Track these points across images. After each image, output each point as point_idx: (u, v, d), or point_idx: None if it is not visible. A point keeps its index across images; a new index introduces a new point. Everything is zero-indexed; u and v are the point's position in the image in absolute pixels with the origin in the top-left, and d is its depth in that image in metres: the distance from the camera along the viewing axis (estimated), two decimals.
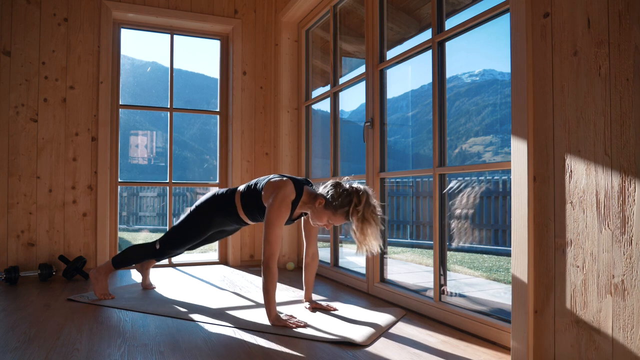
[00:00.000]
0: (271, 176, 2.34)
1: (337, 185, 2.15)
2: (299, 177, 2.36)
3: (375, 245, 2.05)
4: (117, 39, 3.75)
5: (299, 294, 2.79)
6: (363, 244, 2.05)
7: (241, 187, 2.43)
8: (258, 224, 4.02)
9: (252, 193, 2.33)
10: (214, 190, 2.57)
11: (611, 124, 1.35)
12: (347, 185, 2.14)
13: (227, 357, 1.71)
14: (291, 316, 2.15)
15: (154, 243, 2.60)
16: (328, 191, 2.15)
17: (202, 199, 2.54)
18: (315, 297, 2.68)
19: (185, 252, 2.83)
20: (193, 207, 2.54)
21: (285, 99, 3.94)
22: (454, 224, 5.35)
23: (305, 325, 2.07)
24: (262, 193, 2.26)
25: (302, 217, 2.44)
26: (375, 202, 2.09)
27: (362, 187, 2.11)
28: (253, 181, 2.41)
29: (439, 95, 2.31)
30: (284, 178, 2.26)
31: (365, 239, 2.04)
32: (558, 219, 1.52)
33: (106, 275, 2.64)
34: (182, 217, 2.56)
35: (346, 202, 2.07)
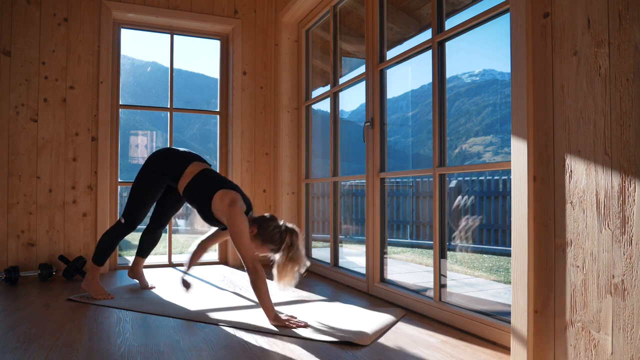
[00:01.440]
0: (227, 183, 2.43)
1: (272, 219, 2.29)
2: (245, 195, 2.45)
3: (291, 282, 2.20)
4: (117, 39, 3.75)
5: (300, 294, 2.79)
6: (281, 278, 2.19)
7: (198, 167, 2.53)
8: None
9: (204, 186, 2.42)
10: (162, 149, 2.71)
11: (611, 124, 1.35)
12: (281, 222, 2.28)
13: (227, 357, 1.71)
14: (291, 316, 2.15)
15: (118, 221, 2.69)
16: (262, 222, 2.27)
17: (155, 152, 2.69)
18: (315, 297, 2.68)
19: (160, 228, 2.92)
20: (142, 165, 2.69)
21: (285, 99, 3.94)
22: (460, 223, 5.35)
23: (306, 325, 2.07)
24: (214, 198, 2.35)
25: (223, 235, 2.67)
26: (302, 245, 2.25)
27: (295, 228, 2.26)
28: (211, 174, 2.50)
29: (439, 95, 2.31)
30: (236, 192, 2.37)
31: (285, 275, 2.19)
32: (558, 219, 1.52)
33: (95, 278, 2.66)
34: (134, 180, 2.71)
35: (279, 241, 2.22)
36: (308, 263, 2.26)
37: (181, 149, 2.71)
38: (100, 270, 2.71)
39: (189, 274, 2.61)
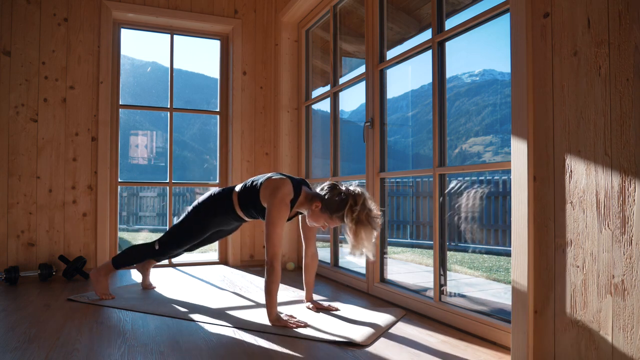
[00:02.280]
0: (269, 174, 2.34)
1: (333, 188, 2.16)
2: (296, 177, 2.36)
3: (369, 248, 2.03)
4: (117, 39, 3.75)
5: (300, 294, 2.79)
6: (356, 247, 2.03)
7: (238, 187, 2.44)
8: (256, 222, 4.02)
9: (250, 190, 2.33)
10: (211, 190, 2.57)
11: (611, 124, 1.35)
12: (344, 188, 2.14)
13: (227, 357, 1.71)
14: (291, 316, 2.15)
15: (153, 243, 2.61)
16: (325, 194, 2.15)
17: (200, 199, 2.55)
18: (315, 297, 2.68)
19: (185, 252, 2.84)
20: (191, 207, 2.54)
21: (285, 99, 3.94)
22: (459, 224, 5.35)
23: (306, 325, 2.07)
24: (260, 191, 2.26)
25: (300, 217, 2.45)
26: (372, 205, 2.08)
27: (359, 189, 2.11)
28: (250, 179, 2.41)
29: (439, 95, 2.31)
30: (282, 177, 2.26)
31: (358, 242, 2.02)
32: (558, 219, 1.52)
33: (107, 276, 2.64)
34: (181, 217, 2.57)
35: (342, 205, 2.07)
36: (380, 221, 2.06)
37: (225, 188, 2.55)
38: (113, 272, 2.68)
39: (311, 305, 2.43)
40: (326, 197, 2.14)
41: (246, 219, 2.47)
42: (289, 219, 2.32)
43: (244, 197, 2.36)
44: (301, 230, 2.47)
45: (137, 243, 2.71)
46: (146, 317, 2.25)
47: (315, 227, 2.29)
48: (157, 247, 2.58)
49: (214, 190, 2.56)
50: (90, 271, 2.69)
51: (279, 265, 2.09)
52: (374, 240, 2.05)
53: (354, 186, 2.14)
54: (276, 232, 2.11)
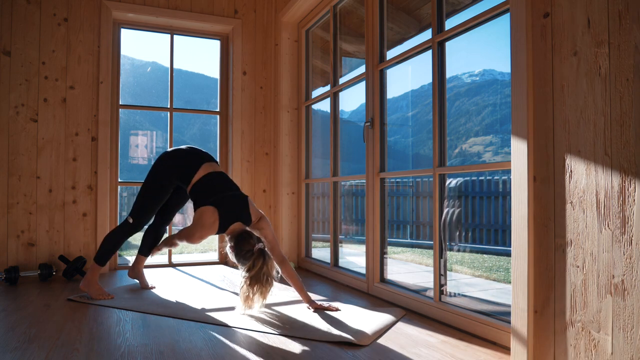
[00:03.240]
0: (211, 199, 2.44)
1: (247, 241, 2.35)
2: (236, 206, 2.47)
3: (256, 305, 2.28)
4: (117, 39, 3.75)
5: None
6: (245, 302, 2.26)
7: (205, 170, 2.55)
8: None
9: (200, 198, 2.47)
10: (178, 147, 2.70)
11: (611, 124, 1.35)
12: (257, 247, 2.32)
13: (226, 357, 1.71)
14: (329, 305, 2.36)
15: (125, 220, 2.67)
16: (239, 242, 2.36)
17: (167, 151, 2.70)
18: (315, 297, 2.68)
19: (165, 224, 2.92)
20: (152, 167, 2.68)
21: (285, 99, 3.94)
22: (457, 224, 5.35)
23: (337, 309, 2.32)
24: (196, 208, 2.46)
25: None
26: (272, 270, 2.29)
27: (264, 253, 2.31)
28: (215, 179, 2.53)
29: (439, 95, 2.31)
30: (215, 215, 2.40)
31: (248, 298, 2.25)
32: (558, 219, 1.52)
33: (95, 278, 2.65)
34: (144, 180, 2.71)
35: (246, 261, 2.31)
36: (272, 291, 2.30)
37: (190, 148, 2.68)
38: (101, 270, 2.70)
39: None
40: (240, 244, 2.36)
41: (187, 194, 2.64)
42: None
43: (196, 192, 2.50)
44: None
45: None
46: (146, 317, 2.25)
47: (272, 235, 2.49)
48: (131, 221, 2.63)
49: (180, 147, 2.68)
50: (80, 283, 2.69)
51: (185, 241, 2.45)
52: (259, 299, 2.27)
53: (264, 248, 2.34)
54: (190, 235, 2.41)
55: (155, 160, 2.67)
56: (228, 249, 2.43)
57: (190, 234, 2.40)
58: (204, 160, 2.59)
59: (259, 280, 2.24)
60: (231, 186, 2.53)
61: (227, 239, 2.46)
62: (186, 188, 2.58)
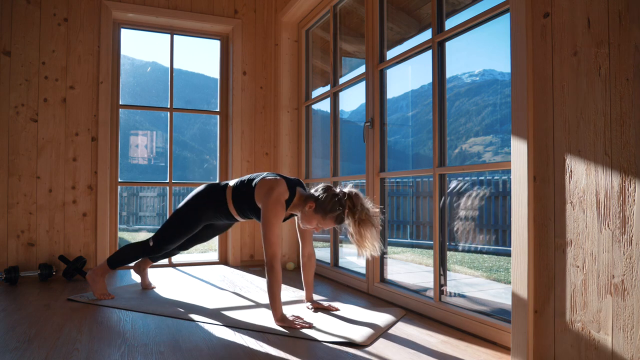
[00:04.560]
0: (264, 174, 2.34)
1: (327, 189, 2.16)
2: (291, 177, 2.36)
3: (375, 247, 2.07)
4: (117, 39, 3.75)
5: (300, 294, 2.79)
6: (362, 247, 2.07)
7: (232, 182, 2.44)
8: (250, 222, 4.02)
9: (244, 189, 2.33)
10: (205, 184, 2.56)
11: (611, 124, 1.35)
12: (338, 190, 2.15)
13: (226, 357, 1.71)
14: (297, 317, 2.13)
15: (147, 240, 2.60)
16: (319, 195, 2.15)
17: (193, 192, 2.55)
18: (315, 297, 2.68)
19: (181, 251, 2.83)
20: (184, 201, 2.54)
21: (285, 99, 3.94)
22: (457, 225, 5.35)
23: (311, 326, 2.06)
24: (255, 190, 2.26)
25: (297, 218, 2.43)
26: (368, 203, 2.10)
27: (353, 190, 2.13)
28: (246, 177, 2.41)
29: (439, 95, 2.31)
30: (277, 177, 2.26)
31: (364, 241, 2.06)
32: (558, 219, 1.52)
33: (103, 276, 2.63)
34: (175, 211, 2.58)
35: (336, 207, 2.09)
36: (378, 218, 2.11)
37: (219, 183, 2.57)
38: (109, 272, 2.69)
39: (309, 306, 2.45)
40: (320, 198, 2.14)
41: (238, 217, 2.45)
42: (283, 220, 2.32)
43: (238, 194, 2.35)
44: (297, 231, 2.46)
45: (131, 242, 2.70)
46: (146, 317, 2.25)
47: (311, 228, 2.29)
48: (151, 244, 2.57)
49: (208, 183, 2.55)
50: (87, 273, 2.68)
51: (279, 265, 2.09)
52: (378, 236, 2.08)
53: (348, 187, 2.15)
54: (273, 232, 2.11)
55: (194, 196, 2.51)
56: (305, 215, 2.18)
57: (265, 221, 2.10)
58: (226, 183, 2.48)
59: (367, 218, 2.06)
60: (265, 173, 2.39)
61: (297, 209, 2.23)
62: (229, 212, 2.41)
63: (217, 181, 2.58)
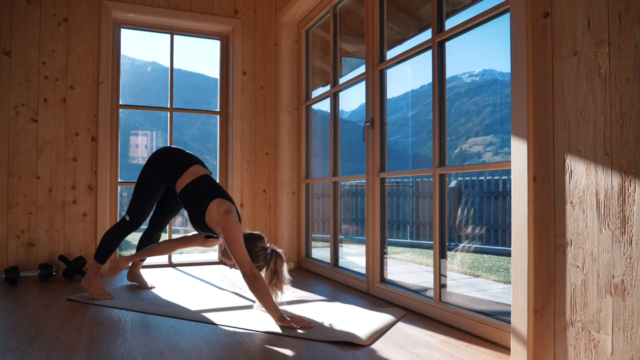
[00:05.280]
0: (216, 191, 2.45)
1: (259, 239, 2.33)
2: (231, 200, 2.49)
3: (263, 303, 2.18)
4: (117, 39, 3.75)
5: (300, 294, 2.79)
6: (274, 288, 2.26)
7: (197, 172, 2.56)
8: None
9: (202, 193, 2.45)
10: (173, 148, 2.73)
11: (611, 124, 1.35)
12: (268, 245, 2.33)
13: (226, 357, 1.71)
14: (297, 317, 2.13)
15: (122, 218, 2.69)
16: (250, 240, 2.29)
17: (157, 150, 2.72)
18: (315, 297, 2.68)
19: (160, 230, 2.93)
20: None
21: (285, 99, 3.94)
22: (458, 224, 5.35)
23: (310, 326, 2.06)
24: (211, 205, 2.37)
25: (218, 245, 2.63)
26: (283, 269, 2.30)
27: (280, 253, 2.32)
28: (211, 183, 2.53)
29: (439, 95, 2.31)
30: (230, 202, 2.41)
31: (277, 286, 2.27)
32: (558, 219, 1.52)
33: (96, 276, 2.65)
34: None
35: (260, 260, 2.28)
36: (287, 289, 2.32)
37: (178, 148, 2.73)
38: (102, 268, 2.71)
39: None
40: (251, 242, 2.28)
41: (178, 200, 2.63)
42: (208, 236, 2.62)
43: (191, 191, 2.48)
44: (218, 247, 2.63)
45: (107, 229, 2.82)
46: (146, 317, 2.25)
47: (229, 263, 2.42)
48: (127, 219, 2.66)
49: (175, 148, 2.71)
50: (81, 281, 2.71)
51: (256, 269, 2.19)
52: (283, 286, 2.29)
53: (276, 247, 2.34)
54: (241, 244, 2.22)
55: (147, 160, 2.70)
56: (226, 252, 2.39)
57: (232, 237, 2.24)
58: (194, 162, 2.61)
59: (278, 277, 2.27)
60: (224, 191, 2.55)
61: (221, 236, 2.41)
62: (174, 186, 2.58)
63: (190, 153, 2.68)
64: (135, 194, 2.67)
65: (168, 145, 3.78)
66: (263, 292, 2.13)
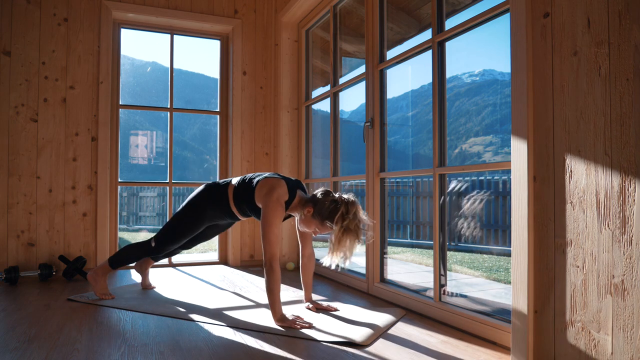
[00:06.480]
0: (266, 174, 2.34)
1: (326, 194, 2.15)
2: (292, 178, 2.36)
3: (346, 258, 2.04)
4: (117, 39, 3.75)
5: (300, 294, 2.79)
6: (334, 253, 2.04)
7: (235, 180, 2.45)
8: (250, 221, 4.02)
9: (245, 188, 2.33)
10: (205, 184, 2.56)
11: (611, 124, 1.35)
12: (337, 195, 2.13)
13: (227, 357, 1.71)
14: (297, 317, 2.13)
15: (149, 241, 2.60)
16: (317, 200, 2.14)
17: (194, 192, 2.55)
18: (315, 297, 2.68)
19: (182, 251, 2.84)
20: (185, 201, 2.54)
21: (285, 99, 3.94)
22: (460, 223, 5.35)
23: (311, 326, 2.06)
24: (255, 190, 2.26)
25: (296, 218, 2.41)
26: (362, 215, 2.08)
27: (351, 197, 2.11)
28: (248, 175, 2.41)
29: (439, 95, 2.31)
30: (278, 177, 2.26)
31: (339, 249, 2.03)
32: (558, 219, 1.52)
33: (104, 276, 2.63)
34: (177, 211, 2.58)
35: (334, 213, 2.06)
36: (368, 234, 2.04)
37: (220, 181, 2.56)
38: (110, 272, 2.68)
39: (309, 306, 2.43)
40: (318, 203, 2.13)
41: (239, 216, 2.46)
42: (282, 220, 2.31)
43: (238, 193, 2.36)
44: (297, 231, 2.46)
45: (133, 242, 2.70)
46: (146, 317, 2.25)
47: (309, 232, 2.29)
48: (153, 245, 2.56)
49: (209, 182, 2.55)
50: (88, 272, 2.69)
51: (277, 265, 2.09)
52: (354, 250, 2.05)
53: (347, 194, 2.14)
54: (273, 232, 2.10)
55: (194, 196, 2.51)
56: (303, 219, 2.19)
57: (265, 222, 2.09)
58: (228, 182, 2.48)
59: (355, 229, 2.02)
60: (270, 173, 2.39)
61: (296, 211, 2.23)
62: (229, 206, 2.41)
63: (217, 180, 2.57)
64: (171, 225, 2.52)
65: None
66: (272, 287, 2.06)
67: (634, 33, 1.29)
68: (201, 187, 2.54)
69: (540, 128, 1.59)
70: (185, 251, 2.96)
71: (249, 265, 3.92)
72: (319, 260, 3.61)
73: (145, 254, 2.62)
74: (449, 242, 4.46)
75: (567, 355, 1.48)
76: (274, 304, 2.09)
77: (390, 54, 2.82)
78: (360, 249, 2.11)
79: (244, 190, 2.33)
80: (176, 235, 2.52)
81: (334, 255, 2.05)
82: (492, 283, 4.02)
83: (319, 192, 2.20)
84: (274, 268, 2.07)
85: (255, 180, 2.31)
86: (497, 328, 1.88)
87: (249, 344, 1.86)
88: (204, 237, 2.73)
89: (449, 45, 2.31)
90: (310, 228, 2.19)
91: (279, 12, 3.93)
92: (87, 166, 3.52)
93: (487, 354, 1.76)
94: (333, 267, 2.09)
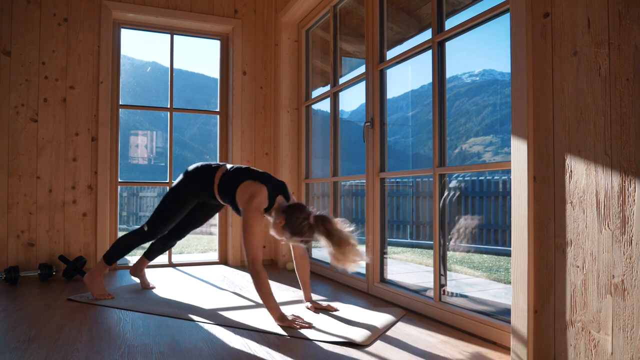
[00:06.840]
0: (253, 174, 2.35)
1: (300, 210, 2.17)
2: (277, 181, 2.37)
3: (357, 262, 2.03)
4: (117, 39, 3.75)
5: (299, 293, 2.79)
6: (346, 264, 2.03)
7: (228, 166, 2.49)
8: None
9: (230, 182, 2.37)
10: (198, 164, 2.62)
11: (611, 124, 1.35)
12: (310, 212, 2.15)
13: (227, 357, 1.71)
14: (297, 317, 2.13)
15: (141, 227, 2.64)
16: (289, 214, 2.16)
17: (185, 171, 2.62)
18: (315, 297, 2.68)
19: (177, 240, 2.87)
20: (175, 181, 2.61)
21: (285, 99, 3.94)
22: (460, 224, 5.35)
23: (310, 326, 2.06)
24: (237, 190, 2.30)
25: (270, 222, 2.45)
26: (341, 225, 2.09)
27: (324, 214, 2.12)
28: (240, 167, 2.44)
29: (439, 95, 2.31)
30: (260, 183, 2.27)
31: (346, 260, 2.02)
32: (558, 219, 1.52)
33: (100, 276, 2.64)
34: (166, 194, 2.64)
35: (304, 231, 2.11)
36: (353, 238, 2.06)
37: (212, 163, 2.61)
38: (107, 269, 2.69)
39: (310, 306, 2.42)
40: (291, 217, 2.15)
41: (221, 202, 2.51)
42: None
43: (224, 184, 2.40)
44: None
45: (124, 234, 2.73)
46: (146, 317, 2.25)
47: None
48: (146, 229, 2.60)
49: (200, 164, 2.61)
50: (84, 276, 2.69)
51: (261, 267, 2.12)
52: (358, 252, 2.04)
53: (318, 212, 2.16)
54: (254, 235, 2.14)
55: (181, 177, 2.60)
56: (275, 227, 2.21)
57: (246, 227, 2.12)
58: (220, 166, 2.52)
59: (345, 239, 2.02)
60: (258, 171, 2.41)
61: (272, 216, 2.27)
62: (214, 194, 2.47)
63: (210, 162, 2.61)
64: (160, 208, 2.60)
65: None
66: (263, 290, 2.09)
67: (634, 33, 1.29)
68: (192, 167, 2.60)
69: (540, 128, 1.59)
70: (185, 252, 2.95)
71: None
72: (320, 260, 3.61)
73: (139, 240, 2.64)
74: (448, 242, 4.45)
75: (567, 355, 1.48)
76: (269, 304, 2.11)
77: (390, 54, 2.82)
78: (360, 249, 2.10)
79: (228, 184, 2.37)
80: (168, 215, 2.58)
81: (347, 265, 2.04)
82: (492, 283, 4.02)
83: (294, 205, 2.22)
84: (259, 271, 2.10)
85: (239, 179, 2.33)
86: (497, 328, 1.88)
87: (249, 344, 1.86)
88: (195, 221, 2.78)
89: (449, 45, 2.31)
90: (280, 236, 2.23)
91: (279, 12, 3.93)
92: (87, 166, 3.52)
93: (487, 354, 1.76)
94: (350, 271, 2.12)
